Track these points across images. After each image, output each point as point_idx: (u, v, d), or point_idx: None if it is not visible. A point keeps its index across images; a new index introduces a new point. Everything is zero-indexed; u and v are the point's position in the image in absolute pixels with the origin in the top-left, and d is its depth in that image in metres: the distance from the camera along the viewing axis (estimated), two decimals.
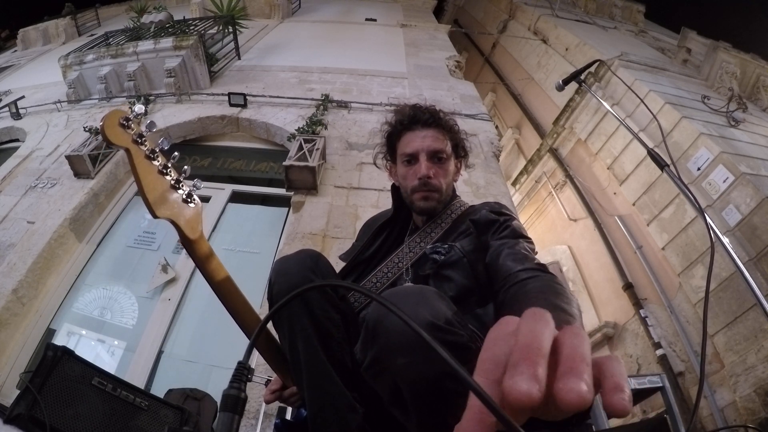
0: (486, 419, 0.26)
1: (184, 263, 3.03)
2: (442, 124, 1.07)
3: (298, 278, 0.83)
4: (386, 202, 1.14)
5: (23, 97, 5.02)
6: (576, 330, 0.29)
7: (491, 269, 0.87)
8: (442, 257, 0.92)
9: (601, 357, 0.30)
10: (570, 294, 0.68)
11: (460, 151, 1.12)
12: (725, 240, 1.47)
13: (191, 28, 4.94)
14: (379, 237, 1.08)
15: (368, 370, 0.66)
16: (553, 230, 5.93)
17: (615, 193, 4.93)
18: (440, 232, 1.01)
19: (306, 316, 0.82)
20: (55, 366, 1.70)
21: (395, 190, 1.11)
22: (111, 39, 5.00)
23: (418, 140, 1.03)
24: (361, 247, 1.08)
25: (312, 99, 4.29)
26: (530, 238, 0.94)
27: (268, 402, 0.90)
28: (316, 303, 0.83)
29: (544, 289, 0.68)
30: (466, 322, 0.70)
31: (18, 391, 1.74)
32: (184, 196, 0.73)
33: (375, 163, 1.17)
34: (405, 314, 0.36)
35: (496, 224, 0.95)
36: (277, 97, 4.33)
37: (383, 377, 0.65)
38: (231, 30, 5.45)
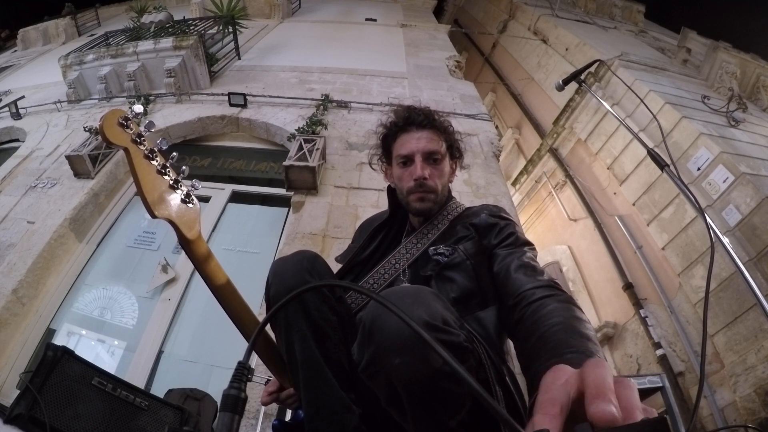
0: None
1: (184, 263, 3.03)
2: (437, 125, 1.08)
3: (295, 280, 0.83)
4: (386, 202, 1.15)
5: (23, 97, 5.02)
6: (603, 363, 0.36)
7: (501, 280, 0.87)
8: (446, 259, 0.92)
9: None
10: (583, 314, 0.69)
11: (455, 152, 1.13)
12: (725, 240, 1.47)
13: (191, 28, 4.94)
14: (376, 238, 1.09)
15: (365, 370, 0.66)
16: (553, 230, 5.92)
17: (615, 193, 4.92)
18: (437, 234, 1.01)
19: (303, 317, 0.82)
20: (55, 366, 1.70)
21: (391, 191, 1.12)
22: (111, 39, 5.00)
23: (413, 141, 1.04)
24: (357, 248, 1.08)
25: (312, 99, 4.29)
26: (532, 244, 0.95)
27: (265, 404, 0.90)
28: (312, 304, 0.83)
29: (567, 316, 0.68)
30: (463, 322, 0.70)
31: (18, 391, 1.74)
32: (183, 197, 0.73)
33: (370, 165, 1.17)
34: (402, 312, 0.36)
35: (497, 228, 0.96)
36: (277, 97, 4.33)
37: (379, 377, 0.65)
38: (231, 30, 5.45)
